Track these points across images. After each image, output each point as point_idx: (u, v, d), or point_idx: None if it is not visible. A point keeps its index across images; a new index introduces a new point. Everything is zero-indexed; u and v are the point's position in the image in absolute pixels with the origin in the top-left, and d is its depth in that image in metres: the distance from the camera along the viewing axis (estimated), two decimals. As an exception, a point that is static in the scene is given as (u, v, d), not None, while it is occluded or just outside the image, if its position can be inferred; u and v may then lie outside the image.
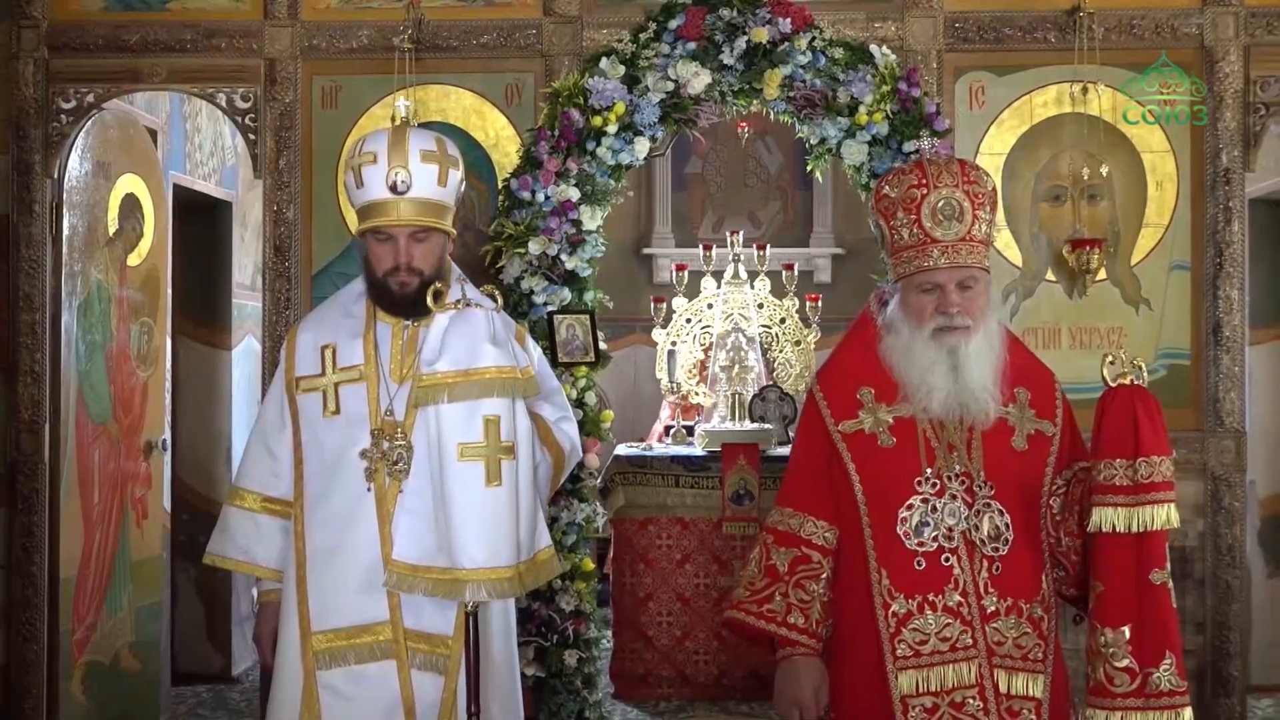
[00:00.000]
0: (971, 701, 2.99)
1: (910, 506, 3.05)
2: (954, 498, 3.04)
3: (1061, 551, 3.07)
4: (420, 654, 3.35)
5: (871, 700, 3.05)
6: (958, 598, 3.01)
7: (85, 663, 5.40)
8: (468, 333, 3.08)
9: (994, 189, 3.17)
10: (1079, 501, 3.00)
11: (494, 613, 3.44)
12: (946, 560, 3.02)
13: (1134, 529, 2.85)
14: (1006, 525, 3.04)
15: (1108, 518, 2.86)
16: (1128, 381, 2.90)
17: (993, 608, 3.02)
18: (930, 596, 3.02)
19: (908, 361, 3.09)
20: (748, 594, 3.19)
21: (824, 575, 3.14)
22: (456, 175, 3.46)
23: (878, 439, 3.10)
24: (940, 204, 3.07)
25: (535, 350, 3.63)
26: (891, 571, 3.05)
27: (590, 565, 5.15)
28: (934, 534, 3.03)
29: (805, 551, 3.14)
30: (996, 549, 3.03)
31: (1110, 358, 2.93)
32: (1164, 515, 2.85)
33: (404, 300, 3.39)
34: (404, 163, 3.34)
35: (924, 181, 3.10)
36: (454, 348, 3.07)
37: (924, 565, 3.03)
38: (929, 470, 3.06)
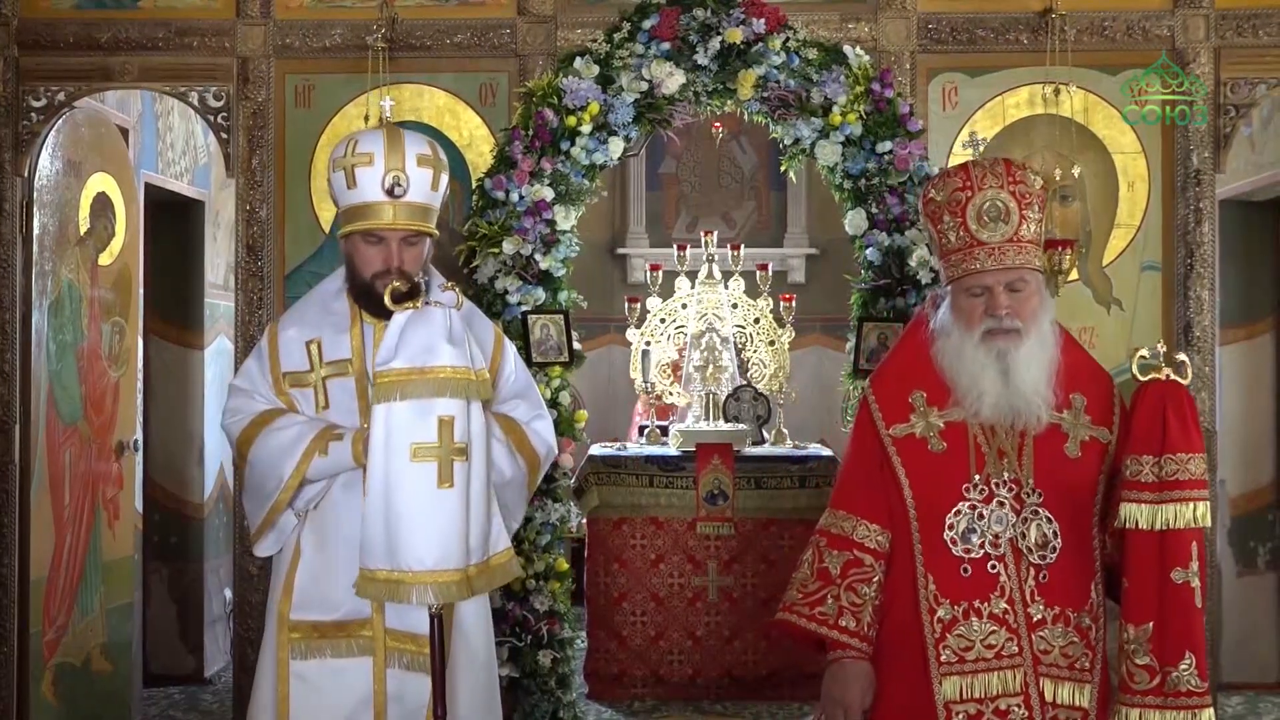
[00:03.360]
0: (1016, 710, 2.99)
1: (958, 513, 3.04)
2: (1002, 505, 3.03)
3: (1108, 554, 3.06)
4: (406, 654, 3.32)
5: (914, 705, 3.04)
6: (1004, 605, 3.01)
7: (56, 664, 5.36)
8: (424, 331, 3.04)
9: (1042, 187, 3.14)
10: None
11: (472, 612, 3.41)
12: (993, 568, 3.02)
13: (1156, 526, 2.85)
14: (1055, 533, 3.02)
15: (1132, 514, 2.87)
16: (1162, 377, 2.89)
17: (1039, 616, 3.01)
18: (976, 603, 3.01)
19: (958, 365, 3.08)
20: (800, 596, 3.17)
21: (876, 579, 3.13)
22: (445, 179, 3.45)
23: (928, 443, 3.09)
24: (985, 205, 3.06)
25: (510, 348, 3.60)
26: (938, 577, 3.04)
27: (565, 565, 5.15)
28: (981, 541, 3.01)
29: (857, 555, 3.13)
30: (1044, 557, 3.01)
31: (1142, 352, 2.93)
32: (1189, 514, 2.84)
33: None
34: (400, 166, 3.31)
35: (968, 184, 3.09)
36: (410, 345, 3.02)
37: (970, 572, 3.02)
38: (977, 476, 3.05)
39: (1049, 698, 3.00)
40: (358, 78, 5.30)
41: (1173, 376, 2.90)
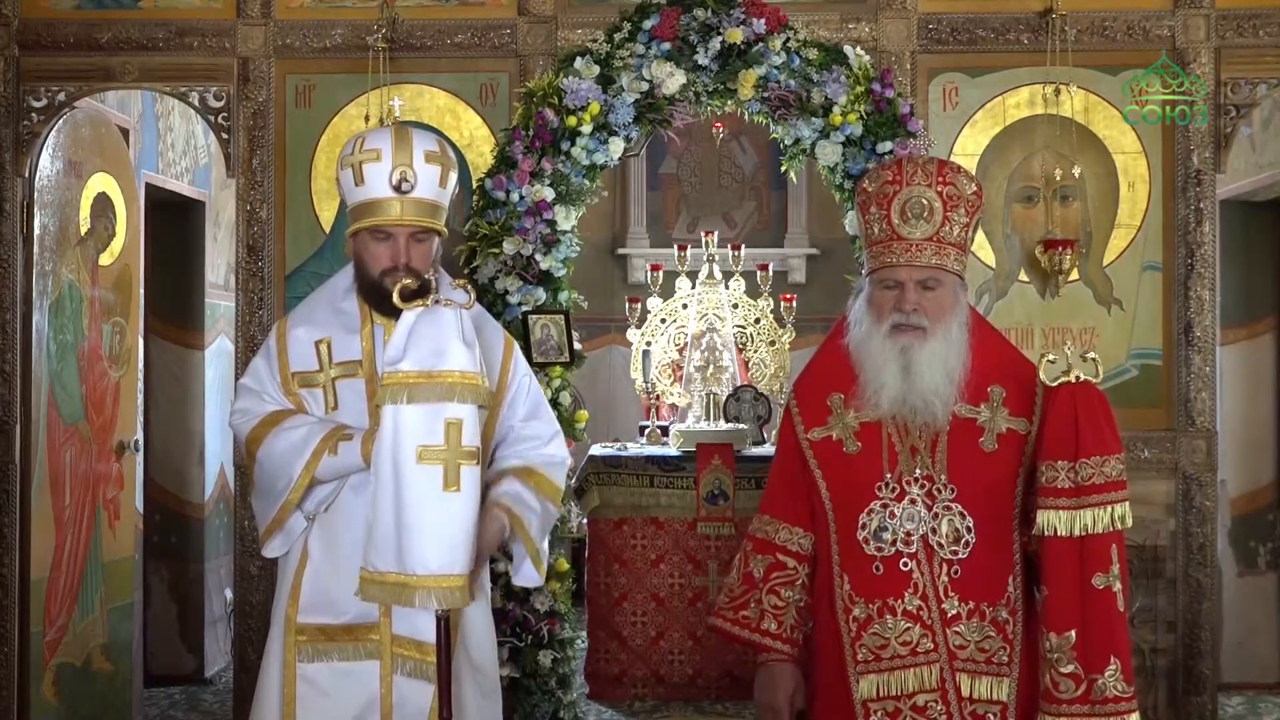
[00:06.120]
0: (933, 706, 2.99)
1: (870, 512, 3.04)
2: (914, 502, 3.03)
3: (1033, 551, 3.05)
4: (411, 661, 3.29)
5: (836, 703, 3.06)
6: (917, 602, 3.01)
7: (57, 664, 5.36)
8: (434, 333, 3.03)
9: (975, 192, 3.10)
10: None
11: (476, 616, 3.40)
12: (905, 565, 3.02)
13: (1075, 532, 2.84)
14: (968, 528, 3.02)
15: (1050, 521, 2.85)
16: (1071, 379, 2.88)
17: (954, 611, 3.01)
18: (889, 601, 3.02)
19: (864, 355, 3.08)
20: (727, 601, 3.22)
21: (799, 581, 3.17)
22: (453, 177, 3.43)
23: (843, 445, 3.11)
24: (910, 201, 3.05)
25: (520, 356, 3.56)
26: (852, 576, 3.06)
27: (565, 565, 5.15)
28: (892, 538, 3.02)
29: (780, 558, 3.17)
30: (955, 552, 3.01)
31: (1050, 357, 2.92)
32: (1107, 517, 2.83)
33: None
34: (408, 162, 3.29)
35: (898, 179, 3.08)
36: (419, 346, 3.01)
37: (882, 570, 3.02)
38: (889, 475, 3.06)
39: (966, 692, 2.99)
40: (358, 78, 5.31)
41: (1083, 377, 2.88)
